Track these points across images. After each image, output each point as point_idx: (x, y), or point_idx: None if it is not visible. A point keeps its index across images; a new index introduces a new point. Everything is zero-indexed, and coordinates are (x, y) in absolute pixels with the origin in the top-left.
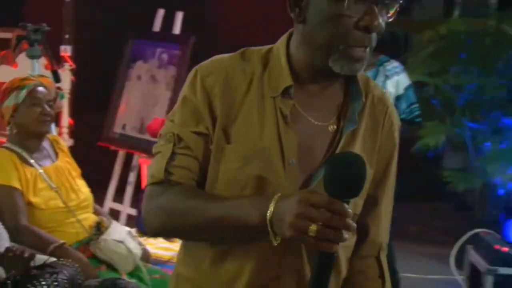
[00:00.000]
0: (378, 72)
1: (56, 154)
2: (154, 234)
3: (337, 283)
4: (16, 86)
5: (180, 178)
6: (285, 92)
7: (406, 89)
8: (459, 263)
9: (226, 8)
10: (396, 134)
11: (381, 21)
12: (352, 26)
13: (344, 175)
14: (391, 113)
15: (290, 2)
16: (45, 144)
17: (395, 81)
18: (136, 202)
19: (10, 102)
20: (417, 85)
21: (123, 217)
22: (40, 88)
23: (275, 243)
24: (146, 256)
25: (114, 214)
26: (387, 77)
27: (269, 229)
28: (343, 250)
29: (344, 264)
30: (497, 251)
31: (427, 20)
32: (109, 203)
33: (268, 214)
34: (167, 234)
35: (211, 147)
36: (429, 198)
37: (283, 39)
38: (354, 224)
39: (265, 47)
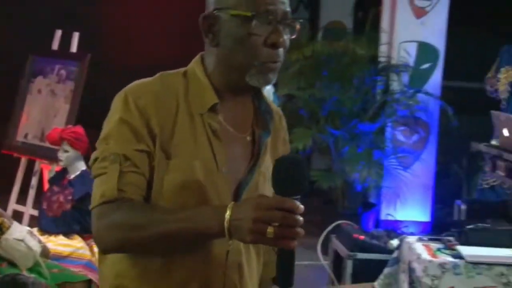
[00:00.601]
0: None
1: None
2: (109, 250)
3: (259, 266)
4: None
5: (131, 195)
6: (212, 109)
7: (273, 98)
8: (325, 250)
9: (120, 29)
10: (288, 141)
11: (286, 38)
12: (261, 44)
13: (290, 174)
14: (285, 124)
15: (204, 29)
16: None
17: (266, 91)
18: (37, 203)
19: None
20: (287, 98)
21: (26, 218)
22: None
23: (230, 248)
24: (45, 253)
25: (19, 215)
26: None
27: (227, 236)
28: None
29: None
30: (356, 239)
31: (294, 42)
32: (13, 205)
33: (225, 223)
34: (124, 249)
35: (153, 163)
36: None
37: (196, 61)
38: (302, 219)
39: (179, 70)
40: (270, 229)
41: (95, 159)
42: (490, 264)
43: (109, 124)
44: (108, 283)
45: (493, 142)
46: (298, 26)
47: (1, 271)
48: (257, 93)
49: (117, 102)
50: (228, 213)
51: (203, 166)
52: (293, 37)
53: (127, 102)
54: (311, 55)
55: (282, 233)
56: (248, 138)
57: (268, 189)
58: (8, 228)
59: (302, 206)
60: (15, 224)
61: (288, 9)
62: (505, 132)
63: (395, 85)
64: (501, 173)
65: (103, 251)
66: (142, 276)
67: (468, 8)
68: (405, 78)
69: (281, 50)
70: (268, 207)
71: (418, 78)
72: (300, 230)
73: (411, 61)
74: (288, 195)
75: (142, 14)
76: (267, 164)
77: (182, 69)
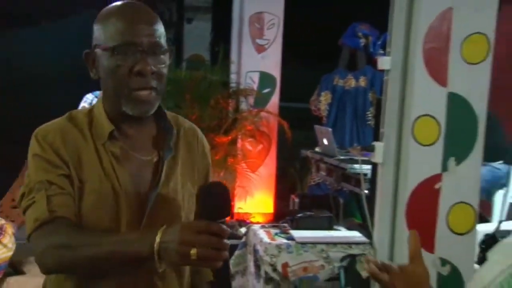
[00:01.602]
0: None
1: None
2: (50, 271)
3: (181, 285)
4: None
5: (64, 214)
6: (111, 137)
7: None
8: None
9: None
10: (209, 155)
11: (153, 67)
12: (128, 73)
13: (216, 201)
14: (202, 139)
15: (88, 64)
16: None
17: None
18: None
19: None
20: None
21: None
22: None
23: (159, 270)
24: None
25: None
26: None
27: (156, 258)
28: None
29: (187, 268)
30: None
31: None
32: None
33: (155, 246)
34: (64, 269)
35: (73, 186)
36: None
37: (100, 96)
38: (228, 243)
39: (88, 107)
40: (193, 251)
41: (22, 195)
42: (314, 243)
43: (28, 164)
44: None
45: (317, 149)
46: (167, 56)
47: None
48: (158, 113)
49: (31, 143)
50: (158, 235)
51: (110, 188)
52: (164, 65)
53: (38, 140)
54: (176, 81)
55: (205, 255)
56: (155, 159)
57: (180, 203)
58: None
59: (228, 230)
60: None
61: (158, 39)
62: (325, 141)
63: (243, 105)
64: (323, 173)
65: (45, 272)
66: None
67: (297, 47)
68: (251, 100)
69: (151, 78)
70: (195, 230)
71: (261, 100)
72: (224, 253)
73: (255, 86)
74: (214, 220)
75: None
76: (178, 180)
77: (91, 106)
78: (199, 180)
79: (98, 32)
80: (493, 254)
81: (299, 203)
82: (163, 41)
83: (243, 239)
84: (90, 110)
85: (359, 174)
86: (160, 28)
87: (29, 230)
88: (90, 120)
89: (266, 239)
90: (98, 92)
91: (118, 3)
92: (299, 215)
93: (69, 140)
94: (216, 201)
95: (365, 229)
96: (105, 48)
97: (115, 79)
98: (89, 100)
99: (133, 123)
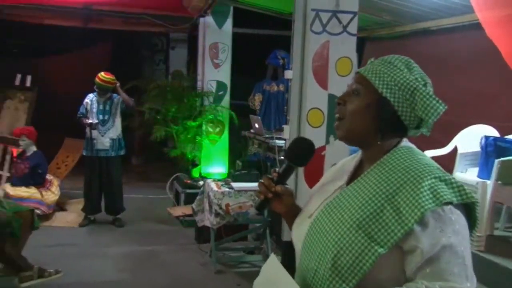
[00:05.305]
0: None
1: None
2: None
3: None
4: None
5: None
6: None
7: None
8: (171, 189)
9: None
10: None
11: None
12: None
13: (296, 150)
14: None
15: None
16: None
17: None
18: (10, 170)
19: None
20: (151, 110)
21: (4, 178)
22: None
23: None
24: (6, 195)
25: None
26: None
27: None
28: None
29: None
30: (185, 182)
31: (151, 78)
32: None
33: None
34: None
35: None
36: None
37: None
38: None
39: None
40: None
41: None
42: (246, 191)
43: None
44: None
45: (251, 130)
46: None
47: None
48: None
49: None
50: None
51: None
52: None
53: None
54: (163, 86)
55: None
56: None
57: None
58: None
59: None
60: None
61: None
62: (256, 125)
63: (206, 102)
64: (256, 146)
65: None
66: None
67: (239, 64)
68: (211, 99)
69: None
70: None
71: (218, 98)
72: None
73: (213, 90)
74: (292, 162)
75: None
76: None
77: None
78: None
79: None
80: None
81: (241, 166)
82: None
83: (202, 189)
84: None
85: (276, 146)
86: None
87: None
88: None
89: (215, 188)
90: (95, 93)
91: None
92: (237, 172)
93: None
94: (297, 151)
95: None
96: None
97: None
98: (90, 97)
99: None
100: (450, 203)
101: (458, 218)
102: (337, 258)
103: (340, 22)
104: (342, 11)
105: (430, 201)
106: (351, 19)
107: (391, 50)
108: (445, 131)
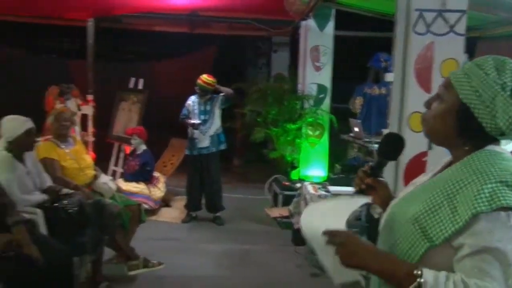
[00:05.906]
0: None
1: (75, 142)
2: None
3: None
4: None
5: None
6: None
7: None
8: (269, 190)
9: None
10: None
11: None
12: None
13: (387, 145)
14: None
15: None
16: (69, 138)
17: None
18: (123, 166)
19: (49, 120)
20: (252, 112)
21: (118, 173)
22: (62, 113)
23: None
24: (119, 190)
25: (115, 173)
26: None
27: None
28: None
29: None
30: (284, 185)
31: (254, 81)
32: (111, 167)
33: None
34: None
35: None
36: None
37: None
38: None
39: None
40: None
41: None
42: (340, 194)
43: None
44: None
45: (351, 134)
46: None
47: (95, 198)
48: None
49: None
50: None
51: None
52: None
53: None
54: (265, 90)
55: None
56: None
57: None
58: (98, 177)
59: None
60: (102, 174)
61: None
62: (356, 129)
63: (306, 105)
64: (355, 150)
65: None
66: None
67: (340, 68)
68: (311, 102)
69: None
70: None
71: (318, 101)
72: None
73: (314, 92)
74: (383, 157)
75: None
76: None
77: None
78: None
79: None
80: None
81: (341, 169)
82: None
83: (299, 191)
84: None
85: (375, 150)
86: None
87: None
88: None
89: (312, 191)
90: (196, 95)
91: None
92: (335, 176)
93: None
94: (388, 146)
95: None
96: None
97: None
98: (191, 99)
99: None
100: (510, 209)
101: None
102: (394, 247)
103: (446, 21)
104: (449, 10)
105: (486, 203)
106: (459, 18)
107: (507, 51)
108: None
